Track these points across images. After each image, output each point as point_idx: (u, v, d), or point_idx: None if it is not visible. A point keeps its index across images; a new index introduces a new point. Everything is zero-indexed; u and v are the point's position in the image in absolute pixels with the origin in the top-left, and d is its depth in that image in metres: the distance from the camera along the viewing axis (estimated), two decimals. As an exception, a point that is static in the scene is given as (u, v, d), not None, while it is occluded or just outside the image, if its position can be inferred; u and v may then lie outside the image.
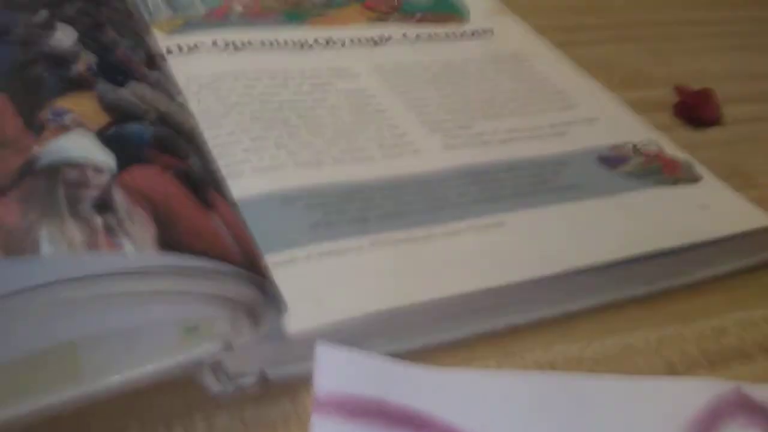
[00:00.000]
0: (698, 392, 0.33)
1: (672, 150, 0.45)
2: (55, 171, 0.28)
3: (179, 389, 0.31)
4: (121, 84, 0.33)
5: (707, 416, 0.32)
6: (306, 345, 0.32)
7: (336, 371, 0.31)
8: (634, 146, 0.45)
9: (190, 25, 0.49)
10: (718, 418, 0.32)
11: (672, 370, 0.36)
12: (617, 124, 0.48)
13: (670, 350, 0.36)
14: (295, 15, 0.53)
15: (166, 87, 0.36)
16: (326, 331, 0.32)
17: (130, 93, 0.33)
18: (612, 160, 0.44)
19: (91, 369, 0.28)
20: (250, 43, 0.49)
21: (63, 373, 0.28)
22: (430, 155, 0.43)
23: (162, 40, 0.46)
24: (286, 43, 0.50)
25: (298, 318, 0.32)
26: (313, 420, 0.29)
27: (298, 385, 0.32)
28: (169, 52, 0.46)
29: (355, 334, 0.33)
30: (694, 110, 0.52)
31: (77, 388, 0.28)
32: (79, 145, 0.29)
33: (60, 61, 0.33)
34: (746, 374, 0.36)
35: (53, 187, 0.27)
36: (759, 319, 0.38)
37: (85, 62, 0.33)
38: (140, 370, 0.29)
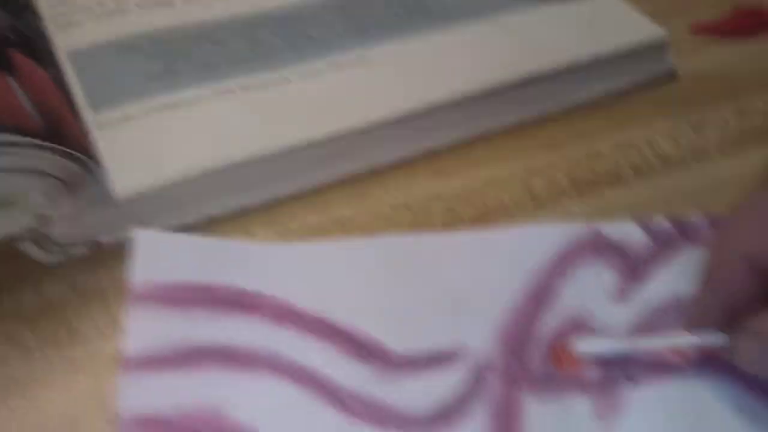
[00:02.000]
0: (549, 238, 0.32)
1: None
2: None
3: (7, 260, 0.30)
4: None
5: (557, 262, 0.32)
6: (138, 208, 0.31)
7: (155, 258, 0.30)
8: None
9: None
10: (569, 262, 0.32)
11: (536, 201, 0.34)
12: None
13: (537, 181, 0.35)
14: None
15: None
16: (159, 193, 0.31)
17: None
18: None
19: None
20: None
21: None
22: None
23: None
24: None
25: (128, 181, 0.31)
26: (129, 313, 0.29)
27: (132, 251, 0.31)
28: None
29: (194, 193, 0.32)
30: None
31: None
32: None
33: None
34: (618, 200, 0.35)
35: None
36: (637, 140, 0.37)
37: None
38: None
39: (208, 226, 0.32)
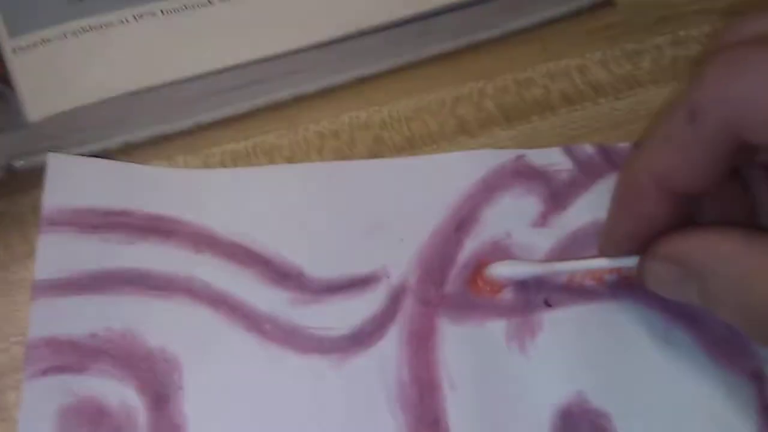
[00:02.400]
0: (473, 165, 0.32)
1: None
2: None
3: None
4: None
5: (480, 189, 0.31)
6: (54, 133, 0.30)
7: (68, 183, 0.29)
8: None
9: None
10: (493, 190, 0.31)
11: (464, 129, 0.34)
12: None
13: (466, 109, 0.35)
14: None
15: None
16: (74, 117, 0.30)
17: None
18: None
19: None
20: None
21: None
22: None
23: None
24: None
25: (43, 104, 0.30)
26: (39, 239, 0.28)
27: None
28: None
29: (112, 118, 0.31)
30: None
31: None
32: None
33: None
34: (547, 128, 0.35)
35: None
36: (569, 68, 0.36)
37: None
38: None
39: (128, 152, 0.32)
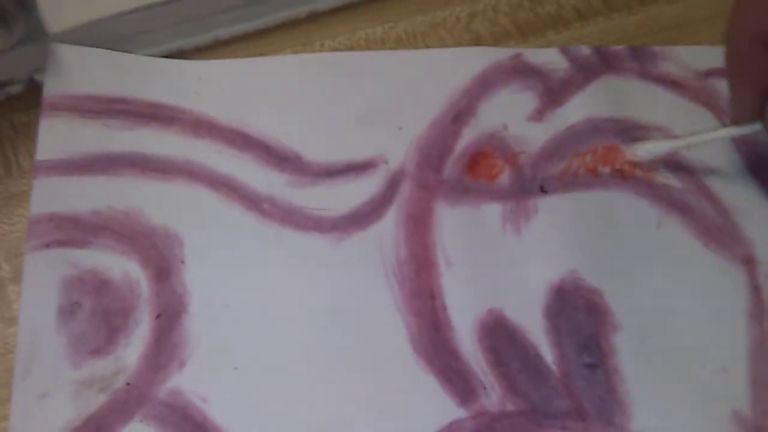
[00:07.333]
0: (472, 60, 0.33)
1: None
2: None
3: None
4: None
5: (477, 83, 0.32)
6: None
7: (70, 71, 0.30)
8: None
9: None
10: (490, 86, 0.32)
11: (479, 44, 0.35)
12: None
13: (481, 24, 0.36)
14: None
15: None
16: (94, 30, 0.32)
17: None
18: None
19: None
20: None
21: None
22: None
23: None
24: None
25: (62, 16, 0.31)
26: (40, 123, 0.29)
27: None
28: None
29: (129, 31, 0.32)
30: None
31: None
32: None
33: None
34: (560, 41, 0.35)
35: None
36: (583, -15, 0.37)
37: None
38: None
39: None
